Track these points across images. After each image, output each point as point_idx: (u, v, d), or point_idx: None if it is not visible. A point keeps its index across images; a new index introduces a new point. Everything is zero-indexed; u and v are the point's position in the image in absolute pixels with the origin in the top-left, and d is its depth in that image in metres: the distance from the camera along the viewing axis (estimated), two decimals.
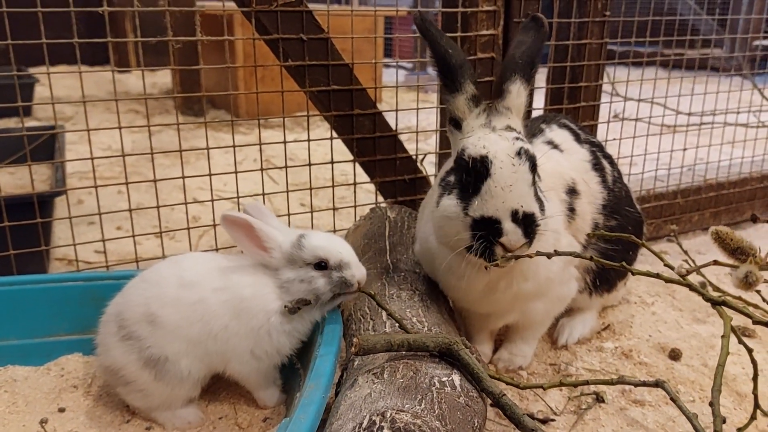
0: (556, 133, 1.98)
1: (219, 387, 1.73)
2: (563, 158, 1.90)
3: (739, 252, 1.41)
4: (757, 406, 1.49)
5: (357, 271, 1.58)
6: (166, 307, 1.53)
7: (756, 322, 1.37)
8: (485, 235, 1.46)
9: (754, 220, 1.40)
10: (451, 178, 1.57)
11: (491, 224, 1.46)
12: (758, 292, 1.60)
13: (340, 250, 1.58)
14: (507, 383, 1.51)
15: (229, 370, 1.61)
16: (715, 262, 1.51)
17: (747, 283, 1.36)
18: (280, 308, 1.55)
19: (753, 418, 1.48)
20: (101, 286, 1.81)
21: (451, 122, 1.63)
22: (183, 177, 2.10)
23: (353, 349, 1.36)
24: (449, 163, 1.64)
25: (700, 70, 3.03)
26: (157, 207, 2.10)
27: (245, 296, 1.54)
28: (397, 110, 2.33)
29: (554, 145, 1.93)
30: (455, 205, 1.51)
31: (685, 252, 1.78)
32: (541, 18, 1.67)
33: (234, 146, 2.13)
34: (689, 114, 3.51)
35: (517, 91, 1.59)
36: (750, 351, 1.46)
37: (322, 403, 1.26)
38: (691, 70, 3.02)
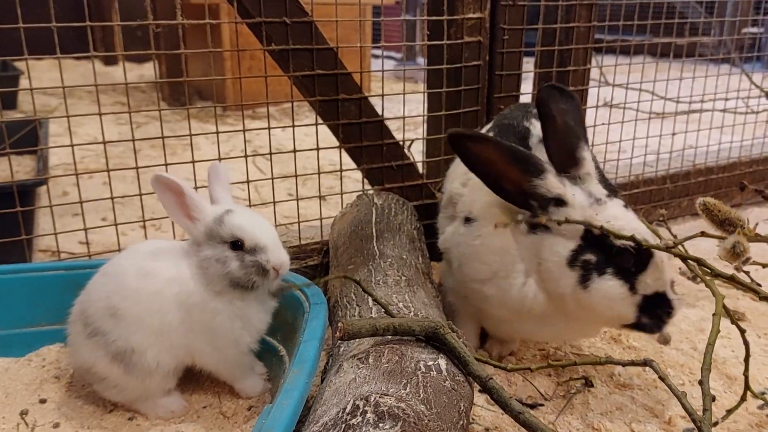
0: (539, 128, 1.89)
1: (203, 375, 1.70)
2: None
3: (727, 223, 1.41)
4: (747, 387, 1.48)
5: (273, 257, 1.47)
6: (127, 298, 1.49)
7: (762, 298, 1.41)
8: (657, 312, 1.53)
9: (742, 188, 1.39)
10: (591, 258, 1.54)
11: (659, 299, 1.53)
12: (747, 273, 1.59)
13: (259, 232, 1.48)
14: (494, 366, 1.50)
15: (197, 363, 1.58)
16: (703, 234, 1.52)
17: (734, 253, 1.36)
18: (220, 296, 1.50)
19: (743, 399, 1.47)
20: (83, 275, 1.75)
21: (551, 203, 1.58)
22: (165, 164, 2.06)
23: (338, 334, 1.34)
24: (570, 242, 1.57)
25: (688, 57, 3.02)
26: (140, 195, 2.07)
27: (192, 291, 1.50)
28: (383, 95, 2.30)
29: None
30: (620, 285, 1.53)
31: (675, 236, 1.77)
32: (562, 87, 1.72)
33: (217, 132, 2.10)
34: (677, 101, 3.50)
35: (590, 157, 1.65)
36: (743, 332, 1.45)
37: (306, 388, 1.24)
38: (679, 58, 3.01)
